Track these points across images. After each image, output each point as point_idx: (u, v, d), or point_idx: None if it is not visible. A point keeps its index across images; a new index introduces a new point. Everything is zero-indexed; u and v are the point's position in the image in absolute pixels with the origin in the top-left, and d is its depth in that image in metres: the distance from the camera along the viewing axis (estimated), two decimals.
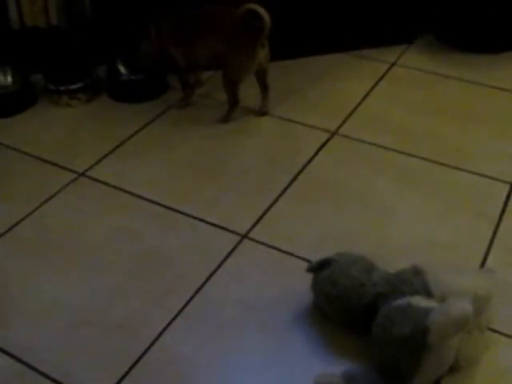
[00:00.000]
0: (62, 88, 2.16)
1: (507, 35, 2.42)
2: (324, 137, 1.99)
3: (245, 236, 1.61)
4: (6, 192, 1.79)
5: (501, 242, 1.57)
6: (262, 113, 2.11)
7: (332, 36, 2.43)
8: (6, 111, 2.13)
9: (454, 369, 1.22)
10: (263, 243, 1.58)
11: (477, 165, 1.84)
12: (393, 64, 2.41)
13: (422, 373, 1.15)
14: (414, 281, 1.25)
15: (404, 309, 1.18)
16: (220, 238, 1.61)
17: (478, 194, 1.74)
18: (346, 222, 1.65)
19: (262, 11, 1.85)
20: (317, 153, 1.92)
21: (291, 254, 1.55)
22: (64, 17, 2.22)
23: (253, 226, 1.64)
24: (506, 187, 1.76)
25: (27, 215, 1.69)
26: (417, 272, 1.26)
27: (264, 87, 2.09)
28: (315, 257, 1.38)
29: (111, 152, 1.95)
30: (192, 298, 1.44)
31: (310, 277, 1.38)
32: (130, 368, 1.28)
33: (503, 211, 1.67)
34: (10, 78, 2.18)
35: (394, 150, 1.92)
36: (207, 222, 1.66)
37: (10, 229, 1.65)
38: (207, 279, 1.48)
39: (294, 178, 1.81)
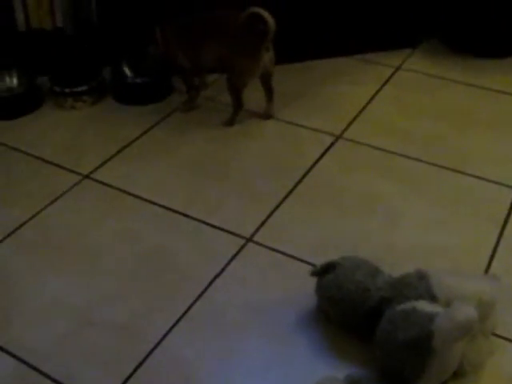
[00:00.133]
0: (67, 90, 2.17)
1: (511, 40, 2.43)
2: (328, 140, 1.99)
3: (249, 239, 1.61)
4: (10, 193, 1.79)
5: (506, 247, 1.57)
6: (267, 116, 2.11)
7: (337, 40, 2.43)
8: (12, 113, 2.14)
9: (458, 374, 1.22)
10: (267, 247, 1.58)
11: (482, 169, 1.84)
12: (397, 68, 2.41)
13: (426, 378, 1.15)
14: (418, 285, 1.25)
15: (408, 313, 1.17)
16: (224, 241, 1.61)
17: (483, 199, 1.73)
18: (350, 226, 1.65)
19: (266, 15, 1.86)
20: (321, 156, 1.92)
21: (295, 258, 1.55)
22: (70, 20, 2.23)
23: (257, 230, 1.64)
24: (511, 192, 1.76)
25: (31, 217, 1.70)
26: (421, 276, 1.26)
27: (269, 90, 2.09)
28: (319, 260, 1.38)
29: (116, 154, 1.95)
30: (196, 300, 1.43)
31: (314, 280, 1.37)
32: (134, 370, 1.28)
33: (508, 216, 1.67)
34: (15, 80, 2.19)
35: (398, 154, 1.92)
36: (211, 225, 1.66)
37: (14, 230, 1.65)
38: (211, 282, 1.48)
39: (299, 182, 1.81)
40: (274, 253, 1.57)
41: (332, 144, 1.98)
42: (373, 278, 1.30)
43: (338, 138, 2.01)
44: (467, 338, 1.15)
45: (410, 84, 2.31)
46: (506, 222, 1.65)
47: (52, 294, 1.46)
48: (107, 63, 2.29)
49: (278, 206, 1.72)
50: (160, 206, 1.73)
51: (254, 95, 2.10)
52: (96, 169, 1.88)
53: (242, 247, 1.58)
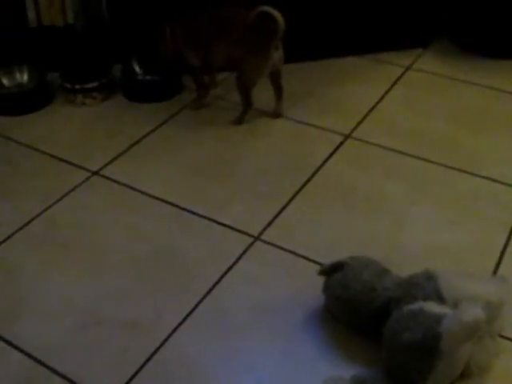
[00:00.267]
0: (77, 87, 2.17)
1: None
2: (338, 140, 1.99)
3: (257, 238, 1.61)
4: (19, 189, 1.80)
5: None
6: (276, 115, 2.11)
7: (347, 39, 2.43)
8: (22, 109, 2.14)
9: (465, 375, 1.21)
10: (275, 245, 1.58)
11: (491, 170, 1.83)
12: (408, 68, 2.40)
13: (432, 379, 1.14)
14: (426, 286, 1.24)
15: (416, 314, 1.17)
16: (232, 239, 1.61)
17: (492, 200, 1.73)
18: (358, 226, 1.65)
19: (275, 13, 1.86)
20: (330, 156, 1.92)
21: (303, 257, 1.55)
22: (81, 17, 2.24)
23: (265, 228, 1.64)
24: None
25: (40, 213, 1.70)
26: (429, 277, 1.26)
27: (278, 89, 2.09)
28: (327, 260, 1.38)
29: (125, 151, 1.95)
30: (203, 298, 1.44)
31: (321, 280, 1.37)
32: (140, 367, 1.28)
33: None
34: (26, 76, 2.20)
35: (408, 155, 1.91)
36: (220, 223, 1.66)
37: (22, 226, 1.66)
38: (218, 280, 1.48)
39: (308, 181, 1.81)
40: (282, 251, 1.57)
41: (341, 143, 1.97)
42: (380, 279, 1.30)
43: (347, 137, 2.00)
44: (474, 339, 1.15)
45: (420, 84, 2.30)
46: None
47: (60, 289, 1.47)
48: (117, 60, 2.29)
49: (286, 205, 1.72)
50: (168, 203, 1.73)
51: (263, 94, 2.10)
52: (105, 165, 1.89)
53: (250, 246, 1.58)
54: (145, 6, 2.24)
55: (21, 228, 1.65)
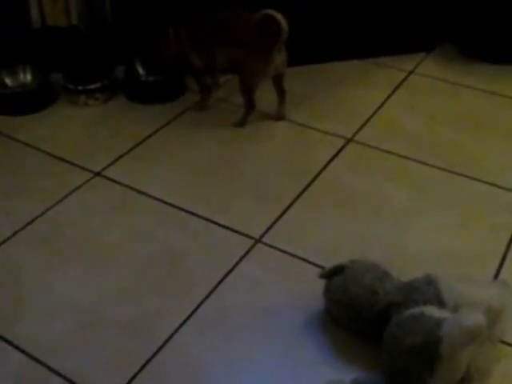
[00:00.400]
0: (80, 87, 2.18)
1: None
2: (340, 143, 1.99)
3: (258, 240, 1.61)
4: (22, 189, 1.80)
5: None
6: (279, 117, 2.11)
7: (350, 43, 2.43)
8: (25, 109, 2.15)
9: (465, 380, 1.21)
10: (276, 248, 1.59)
11: (493, 175, 1.83)
12: (410, 72, 2.40)
13: (433, 383, 1.14)
14: (426, 290, 1.25)
15: (417, 318, 1.17)
16: (233, 241, 1.61)
17: (494, 205, 1.73)
18: (359, 229, 1.65)
19: (279, 16, 1.86)
20: (332, 159, 1.92)
21: (304, 260, 1.55)
22: (85, 18, 2.24)
23: (266, 231, 1.64)
24: None
25: (42, 212, 1.71)
26: (430, 281, 1.26)
27: (281, 92, 2.09)
28: (328, 263, 1.38)
29: (127, 152, 1.96)
30: (204, 300, 1.44)
31: (322, 283, 1.37)
32: (141, 368, 1.28)
33: None
34: (29, 77, 2.20)
35: (409, 159, 1.91)
36: (221, 225, 1.66)
37: (25, 225, 1.66)
38: (219, 282, 1.49)
39: (309, 184, 1.81)
40: (283, 254, 1.57)
41: (343, 147, 1.98)
42: (381, 282, 1.30)
43: (349, 140, 2.01)
44: (475, 344, 1.15)
45: (423, 88, 2.30)
46: None
47: (61, 290, 1.47)
48: (120, 61, 2.30)
49: (288, 208, 1.72)
50: (170, 204, 1.73)
51: (266, 96, 2.10)
52: (107, 166, 1.89)
53: (251, 248, 1.59)
54: (148, 8, 2.25)
55: (23, 228, 1.66)
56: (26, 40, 2.24)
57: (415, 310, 1.20)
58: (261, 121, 2.10)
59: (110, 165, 1.90)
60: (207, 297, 1.45)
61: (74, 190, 1.79)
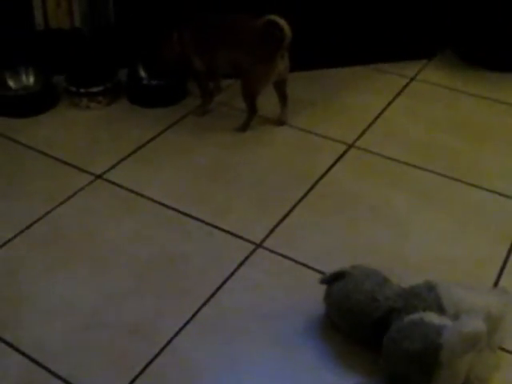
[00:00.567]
0: (82, 90, 2.18)
1: None
2: (341, 149, 1.99)
3: (259, 245, 1.61)
4: (23, 191, 1.80)
5: None
6: (281, 123, 2.12)
7: (352, 49, 2.44)
8: (27, 111, 2.15)
9: None
10: (277, 253, 1.59)
11: (494, 183, 1.84)
12: (412, 79, 2.41)
13: None
14: (427, 297, 1.25)
15: (417, 324, 1.18)
16: (234, 245, 1.61)
17: (494, 212, 1.73)
18: (360, 235, 1.65)
19: (282, 23, 1.87)
20: (333, 165, 1.92)
21: (305, 265, 1.55)
22: (88, 21, 2.25)
23: (267, 236, 1.64)
24: None
25: (44, 215, 1.71)
26: (430, 288, 1.26)
27: (283, 97, 2.10)
28: (329, 268, 1.39)
29: (129, 156, 1.96)
30: (204, 304, 1.44)
31: (322, 288, 1.38)
32: (141, 371, 1.28)
33: None
34: (32, 79, 2.21)
35: (410, 165, 1.92)
36: (222, 230, 1.66)
37: (25, 228, 1.66)
38: (220, 286, 1.49)
39: (310, 189, 1.81)
40: (284, 259, 1.57)
41: (344, 153, 1.98)
42: (382, 288, 1.30)
43: (350, 146, 2.01)
44: (475, 351, 1.15)
45: (424, 95, 2.31)
46: None
47: (61, 292, 1.47)
48: (123, 65, 2.30)
49: (288, 213, 1.72)
50: (171, 208, 1.74)
51: (268, 101, 2.11)
52: (109, 169, 1.89)
53: (252, 253, 1.59)
54: (151, 11, 2.25)
55: (25, 229, 1.66)
56: (29, 42, 2.24)
57: (415, 317, 1.20)
58: (262, 125, 2.11)
59: (111, 168, 1.90)
60: (207, 300, 1.45)
61: (75, 193, 1.79)
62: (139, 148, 2.00)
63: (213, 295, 1.46)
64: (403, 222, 1.70)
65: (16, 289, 1.48)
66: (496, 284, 1.50)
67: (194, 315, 1.41)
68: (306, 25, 2.28)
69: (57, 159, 1.93)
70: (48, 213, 1.72)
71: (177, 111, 2.19)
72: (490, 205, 1.76)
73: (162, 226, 1.68)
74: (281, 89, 2.08)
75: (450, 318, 1.19)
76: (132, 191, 1.80)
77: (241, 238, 1.63)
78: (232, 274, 1.52)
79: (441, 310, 1.22)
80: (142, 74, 2.24)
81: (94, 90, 2.18)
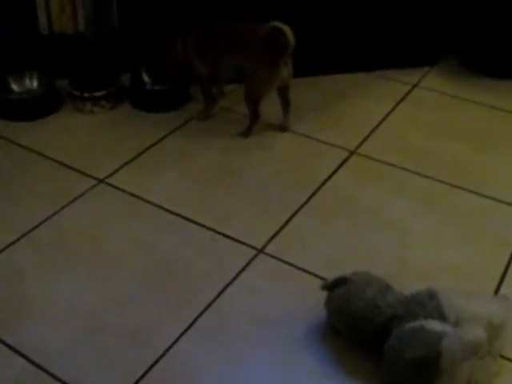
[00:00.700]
0: (86, 95, 2.19)
1: None
2: (343, 155, 2.00)
3: (260, 251, 1.62)
4: (26, 194, 1.81)
5: None
6: (283, 128, 2.12)
7: (355, 55, 2.44)
8: (31, 115, 2.16)
9: None
10: (278, 258, 1.59)
11: (495, 190, 1.84)
12: (414, 86, 2.41)
13: None
14: (428, 304, 1.25)
15: (418, 331, 1.18)
16: (235, 251, 1.62)
17: (495, 220, 1.73)
18: (362, 242, 1.65)
19: (286, 29, 1.87)
20: (335, 171, 1.93)
21: (306, 271, 1.55)
22: (92, 25, 2.26)
23: (269, 241, 1.65)
24: None
25: (47, 218, 1.71)
26: (431, 295, 1.27)
27: (286, 103, 2.10)
28: (330, 275, 1.39)
29: (131, 160, 1.97)
30: (205, 309, 1.44)
31: (324, 294, 1.38)
32: (142, 376, 1.29)
33: None
34: (35, 83, 2.22)
35: (412, 172, 1.92)
36: (224, 235, 1.67)
37: (29, 231, 1.67)
38: (221, 292, 1.49)
39: (312, 195, 1.82)
40: (285, 265, 1.57)
41: (346, 159, 1.98)
42: (383, 295, 1.31)
43: (352, 153, 2.01)
44: (475, 358, 1.15)
45: (427, 102, 2.31)
46: None
47: (64, 296, 1.48)
48: (126, 69, 2.31)
49: (290, 219, 1.73)
50: (173, 213, 1.74)
51: (270, 107, 2.11)
52: (111, 174, 1.90)
53: (253, 258, 1.59)
54: (155, 16, 2.26)
55: (26, 233, 1.66)
56: (33, 46, 2.25)
57: (416, 324, 1.20)
58: (265, 131, 2.11)
59: (114, 172, 1.91)
60: (209, 306, 1.45)
61: (78, 197, 1.80)
62: (142, 152, 2.00)
63: (214, 301, 1.47)
64: (405, 228, 1.70)
65: (18, 292, 1.49)
66: (497, 291, 1.50)
67: (195, 320, 1.41)
68: (310, 31, 2.28)
69: (60, 163, 1.94)
70: (51, 216, 1.72)
71: (180, 116, 2.20)
72: (491, 212, 1.77)
73: (163, 231, 1.68)
74: (284, 95, 2.08)
75: (451, 326, 1.20)
76: (135, 195, 1.81)
77: (242, 243, 1.64)
78: (234, 279, 1.53)
79: (442, 317, 1.22)
80: (146, 78, 2.25)
81: (98, 94, 2.19)
